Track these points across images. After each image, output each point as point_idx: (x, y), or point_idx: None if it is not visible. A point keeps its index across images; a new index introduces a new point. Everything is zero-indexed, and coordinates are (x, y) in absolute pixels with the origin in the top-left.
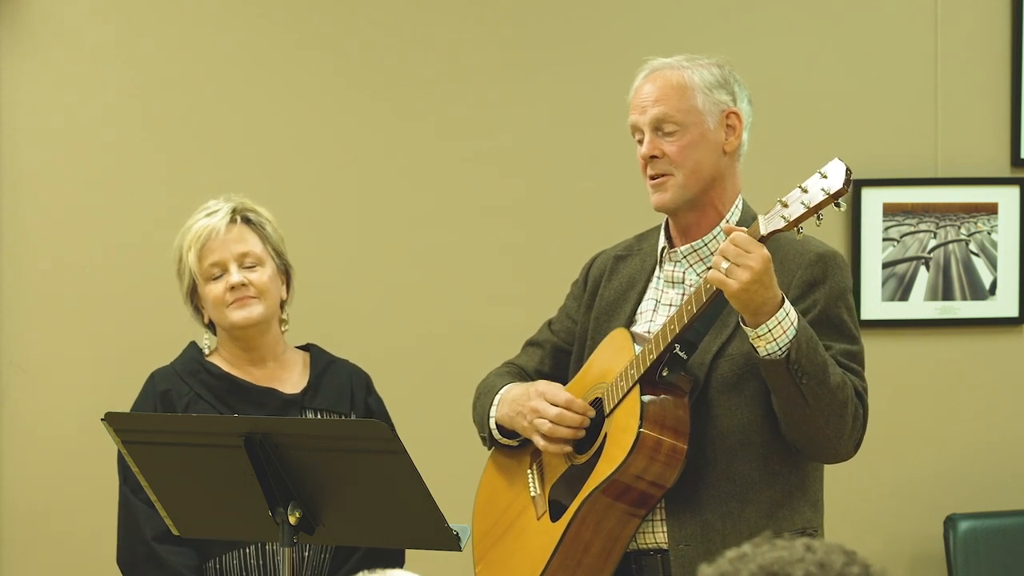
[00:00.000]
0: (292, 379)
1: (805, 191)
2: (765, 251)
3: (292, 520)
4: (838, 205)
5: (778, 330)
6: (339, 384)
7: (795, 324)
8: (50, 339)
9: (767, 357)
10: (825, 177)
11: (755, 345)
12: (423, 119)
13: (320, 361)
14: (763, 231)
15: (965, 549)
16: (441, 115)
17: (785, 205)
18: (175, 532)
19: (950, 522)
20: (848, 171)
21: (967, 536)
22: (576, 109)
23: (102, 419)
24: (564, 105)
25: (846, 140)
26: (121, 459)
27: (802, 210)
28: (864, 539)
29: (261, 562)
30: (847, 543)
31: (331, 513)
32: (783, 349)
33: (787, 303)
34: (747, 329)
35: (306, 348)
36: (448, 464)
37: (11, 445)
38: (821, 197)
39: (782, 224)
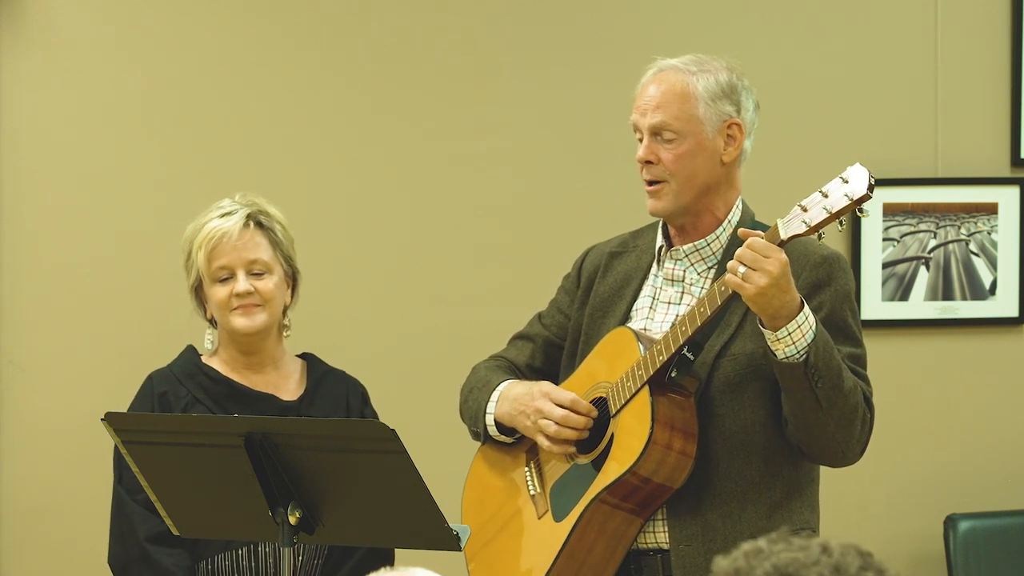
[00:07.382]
0: (289, 386)
1: (826, 196)
2: (783, 256)
3: (292, 520)
4: (861, 211)
5: (797, 333)
6: (336, 393)
7: (813, 328)
8: (50, 339)
9: (785, 360)
10: (847, 182)
11: (773, 348)
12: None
13: (317, 370)
14: (783, 235)
15: (965, 549)
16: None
17: (805, 209)
18: (175, 532)
19: (950, 522)
20: (871, 177)
21: (967, 536)
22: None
23: (102, 419)
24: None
25: (846, 140)
26: (118, 458)
27: (824, 215)
28: (864, 539)
29: (253, 563)
30: None
31: (331, 513)
32: (802, 352)
33: (806, 307)
34: (766, 332)
35: (303, 356)
36: (448, 464)
37: (11, 445)
38: (844, 203)
39: (803, 229)
